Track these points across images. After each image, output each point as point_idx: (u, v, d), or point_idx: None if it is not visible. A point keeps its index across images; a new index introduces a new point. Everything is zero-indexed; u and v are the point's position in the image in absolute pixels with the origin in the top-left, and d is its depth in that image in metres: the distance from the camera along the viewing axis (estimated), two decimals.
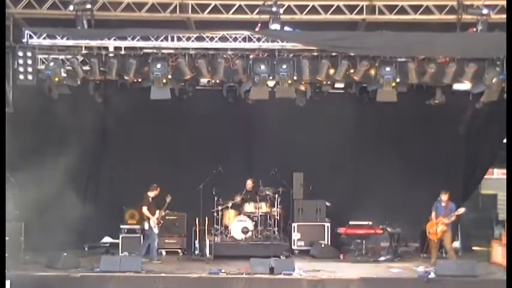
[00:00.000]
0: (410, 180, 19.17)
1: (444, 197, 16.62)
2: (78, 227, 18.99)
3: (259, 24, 15.82)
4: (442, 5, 16.04)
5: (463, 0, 15.67)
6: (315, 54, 16.05)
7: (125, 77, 16.42)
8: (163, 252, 18.16)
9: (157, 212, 17.35)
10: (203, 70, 16.07)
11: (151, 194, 17.34)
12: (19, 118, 16.30)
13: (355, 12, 16.23)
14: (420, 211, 17.87)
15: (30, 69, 15.69)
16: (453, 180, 19.20)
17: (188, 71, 16.10)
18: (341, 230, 18.49)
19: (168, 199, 17.53)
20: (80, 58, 16.06)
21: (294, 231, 18.74)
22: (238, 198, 18.76)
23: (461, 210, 16.59)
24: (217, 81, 17.04)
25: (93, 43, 15.90)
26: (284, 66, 15.77)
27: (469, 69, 15.76)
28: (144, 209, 17.27)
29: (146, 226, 17.33)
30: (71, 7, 15.49)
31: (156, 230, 17.33)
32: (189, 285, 15.12)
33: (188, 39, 15.87)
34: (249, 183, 18.92)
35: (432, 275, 15.21)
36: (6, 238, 14.34)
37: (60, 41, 15.80)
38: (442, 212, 16.60)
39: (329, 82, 17.04)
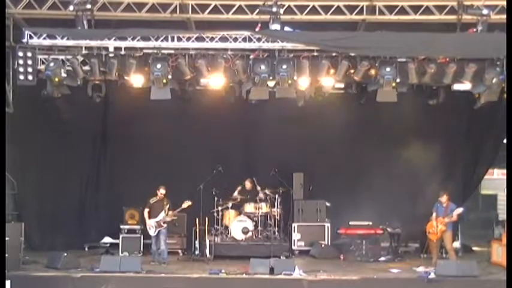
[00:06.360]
0: (411, 181, 19.19)
1: (443, 197, 16.64)
2: (78, 227, 19.08)
3: (259, 25, 15.79)
4: (442, 5, 16.03)
5: (463, 0, 15.68)
6: (315, 54, 16.04)
7: (125, 77, 16.40)
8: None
9: (162, 214, 16.97)
10: (203, 70, 16.08)
11: (153, 197, 17.13)
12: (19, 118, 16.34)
13: (355, 12, 16.22)
14: (420, 211, 17.91)
15: (30, 69, 15.64)
16: (453, 180, 19.22)
17: (188, 71, 16.09)
18: (341, 230, 18.51)
19: (185, 205, 17.07)
20: (80, 58, 16.00)
21: (294, 231, 18.75)
22: (237, 196, 18.74)
23: (460, 210, 16.59)
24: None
25: (93, 43, 15.85)
26: (284, 66, 15.74)
27: (469, 69, 15.74)
28: (145, 211, 17.19)
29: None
30: (71, 7, 15.44)
31: (151, 232, 17.02)
32: (189, 285, 15.12)
33: (188, 39, 15.84)
34: (248, 184, 18.92)
35: (432, 275, 15.22)
36: (6, 238, 14.34)
37: (60, 41, 15.76)
38: (442, 213, 16.61)
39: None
